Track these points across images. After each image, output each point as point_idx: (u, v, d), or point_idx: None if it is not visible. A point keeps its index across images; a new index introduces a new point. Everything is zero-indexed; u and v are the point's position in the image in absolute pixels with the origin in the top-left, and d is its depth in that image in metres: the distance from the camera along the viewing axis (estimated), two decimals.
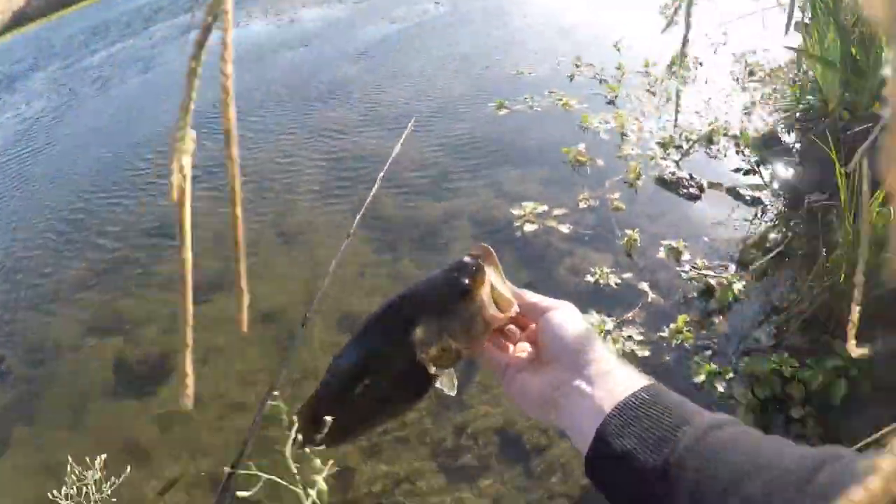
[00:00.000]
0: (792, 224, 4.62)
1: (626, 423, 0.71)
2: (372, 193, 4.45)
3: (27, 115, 8.94)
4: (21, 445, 4.14)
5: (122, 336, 4.73)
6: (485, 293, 0.89)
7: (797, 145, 5.57)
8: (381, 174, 4.65)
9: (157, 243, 5.58)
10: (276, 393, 1.60)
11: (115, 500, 2.98)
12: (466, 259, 0.92)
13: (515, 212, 5.07)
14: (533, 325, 0.90)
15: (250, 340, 4.44)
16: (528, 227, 4.90)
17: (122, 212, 6.18)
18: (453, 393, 0.94)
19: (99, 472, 2.73)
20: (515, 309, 0.91)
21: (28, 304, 5.25)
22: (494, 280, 0.91)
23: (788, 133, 5.75)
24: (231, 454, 3.67)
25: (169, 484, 3.59)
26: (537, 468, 3.37)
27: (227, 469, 2.63)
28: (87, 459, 2.87)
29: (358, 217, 4.12)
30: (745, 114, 6.19)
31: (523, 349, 0.91)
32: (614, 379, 0.78)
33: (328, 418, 0.94)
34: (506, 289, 0.92)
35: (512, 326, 0.95)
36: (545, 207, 5.07)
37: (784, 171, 5.26)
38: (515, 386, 0.85)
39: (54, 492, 2.65)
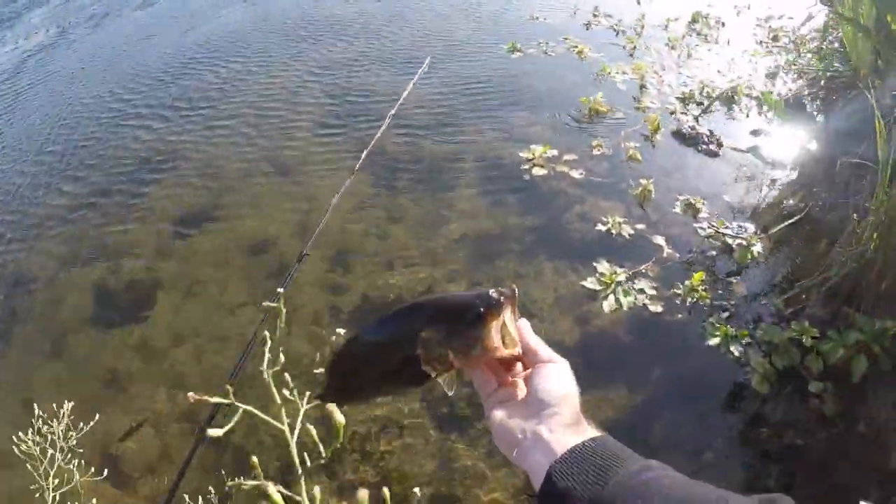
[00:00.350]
0: (814, 191, 4.36)
1: (570, 466, 0.79)
2: (381, 130, 4.15)
3: (25, 48, 8.51)
4: None
5: (105, 267, 4.39)
6: (494, 326, 0.96)
7: (821, 111, 5.29)
8: (393, 111, 4.36)
9: (142, 176, 5.21)
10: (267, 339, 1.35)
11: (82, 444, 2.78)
12: (493, 293, 0.99)
13: (524, 154, 4.76)
14: (530, 370, 0.97)
15: (238, 273, 4.14)
16: (537, 171, 4.59)
17: (108, 145, 5.74)
18: (451, 392, 1.02)
19: (66, 418, 2.44)
20: (518, 350, 0.98)
21: (11, 235, 4.88)
22: (508, 319, 0.98)
23: (812, 99, 5.47)
24: (211, 388, 3.44)
25: (132, 429, 3.30)
26: None
27: (211, 399, 2.37)
28: (55, 406, 2.55)
29: (364, 154, 3.83)
30: (769, 77, 5.91)
31: (516, 386, 0.98)
32: (572, 431, 0.85)
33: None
34: (516, 330, 0.98)
35: (519, 365, 1.01)
36: (555, 152, 4.77)
37: (807, 136, 4.98)
38: (494, 417, 0.93)
39: (20, 434, 2.36)
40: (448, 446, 3.04)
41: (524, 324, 1.00)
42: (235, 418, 0.96)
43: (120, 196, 5.09)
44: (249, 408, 0.92)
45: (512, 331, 0.97)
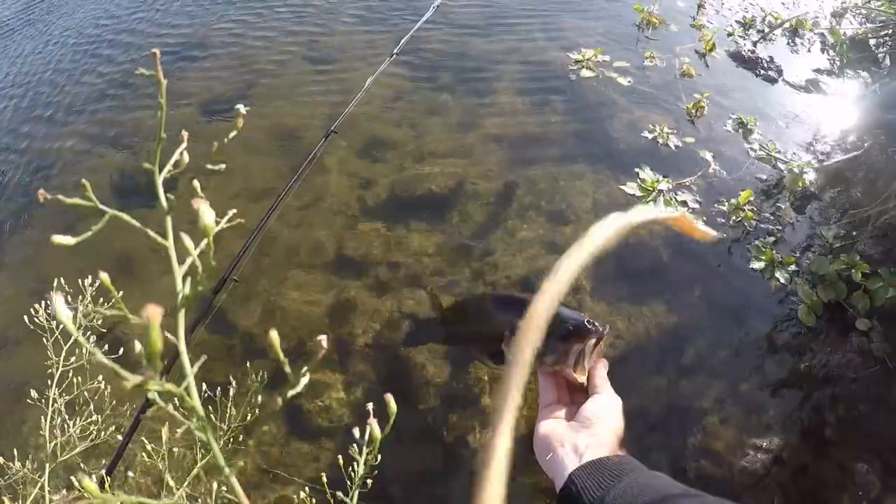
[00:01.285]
0: (874, 132, 4.08)
1: (588, 472, 0.87)
2: (426, 16, 3.86)
3: None
4: (14, 255, 3.63)
5: (129, 149, 4.19)
6: (575, 348, 1.08)
7: (887, 55, 4.96)
8: (437, 1, 4.07)
9: (176, 63, 4.92)
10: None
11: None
12: (588, 322, 1.10)
13: (573, 56, 4.46)
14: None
15: (265, 159, 3.90)
16: (585, 73, 4.30)
17: (144, 32, 5.48)
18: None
19: (88, 296, 2.26)
20: (583, 380, 1.08)
21: (43, 115, 4.66)
22: (588, 349, 1.08)
23: (879, 44, 5.13)
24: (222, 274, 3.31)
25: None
26: None
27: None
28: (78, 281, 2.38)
29: (404, 39, 3.56)
30: (835, 16, 5.54)
31: (570, 408, 1.06)
32: (604, 450, 0.92)
33: None
34: (591, 363, 1.09)
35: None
36: (606, 57, 4.46)
37: (870, 78, 4.67)
38: (540, 426, 1.03)
39: (35, 307, 2.20)
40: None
41: (603, 363, 1.12)
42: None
43: (148, 83, 4.82)
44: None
45: (586, 363, 1.09)
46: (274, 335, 0.51)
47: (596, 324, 1.11)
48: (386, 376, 2.78)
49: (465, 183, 3.59)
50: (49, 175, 4.12)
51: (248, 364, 2.57)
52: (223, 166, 0.43)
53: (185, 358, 0.44)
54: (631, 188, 3.46)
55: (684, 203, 3.39)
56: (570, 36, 4.80)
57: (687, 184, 3.52)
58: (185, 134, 0.46)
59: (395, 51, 3.44)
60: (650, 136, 3.80)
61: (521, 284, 3.06)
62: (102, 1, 6.38)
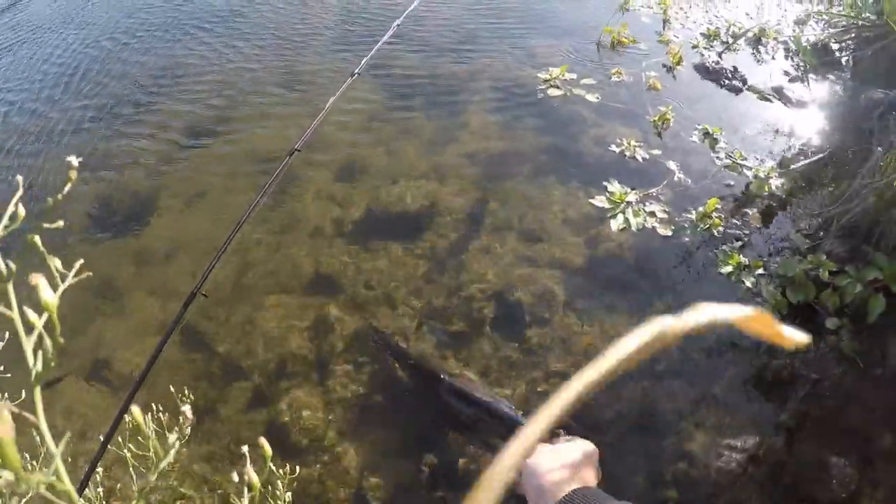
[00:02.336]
0: (838, 136, 4.19)
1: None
2: (386, 37, 3.95)
3: None
4: None
5: (108, 175, 4.28)
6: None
7: (850, 59, 5.09)
8: (399, 20, 4.18)
9: (151, 91, 5.02)
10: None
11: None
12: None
13: (541, 75, 4.57)
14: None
15: (242, 183, 4.01)
16: (553, 92, 4.42)
17: (119, 60, 5.55)
18: None
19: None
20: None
21: (21, 147, 4.72)
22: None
23: (841, 49, 5.26)
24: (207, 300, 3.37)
25: (55, 380, 3.14)
26: (533, 341, 2.99)
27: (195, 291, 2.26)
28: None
29: (365, 59, 3.65)
30: (798, 24, 5.68)
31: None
32: (574, 484, 1.02)
33: None
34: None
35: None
36: (573, 75, 4.59)
37: (833, 81, 4.79)
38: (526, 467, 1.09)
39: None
40: None
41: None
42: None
43: (128, 108, 4.96)
44: None
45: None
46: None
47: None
48: (364, 395, 2.85)
49: (438, 202, 3.69)
50: (33, 198, 4.20)
51: (227, 385, 2.64)
52: (61, 223, 0.45)
53: (48, 438, 0.44)
54: (600, 201, 3.55)
55: (652, 214, 3.48)
56: (539, 55, 4.93)
57: (654, 194, 3.61)
58: (74, 162, 0.46)
59: (356, 70, 3.54)
60: (618, 150, 3.91)
61: (496, 299, 3.15)
62: (75, 30, 6.48)
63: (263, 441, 0.77)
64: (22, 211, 0.51)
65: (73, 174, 0.48)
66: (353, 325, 3.11)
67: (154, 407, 2.24)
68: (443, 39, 5.26)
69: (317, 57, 5.24)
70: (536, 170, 3.85)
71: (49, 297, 0.47)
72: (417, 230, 3.54)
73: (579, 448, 1.14)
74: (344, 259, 3.43)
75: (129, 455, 2.15)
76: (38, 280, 0.47)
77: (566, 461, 1.10)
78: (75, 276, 0.58)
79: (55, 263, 0.49)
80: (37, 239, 0.47)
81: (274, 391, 2.90)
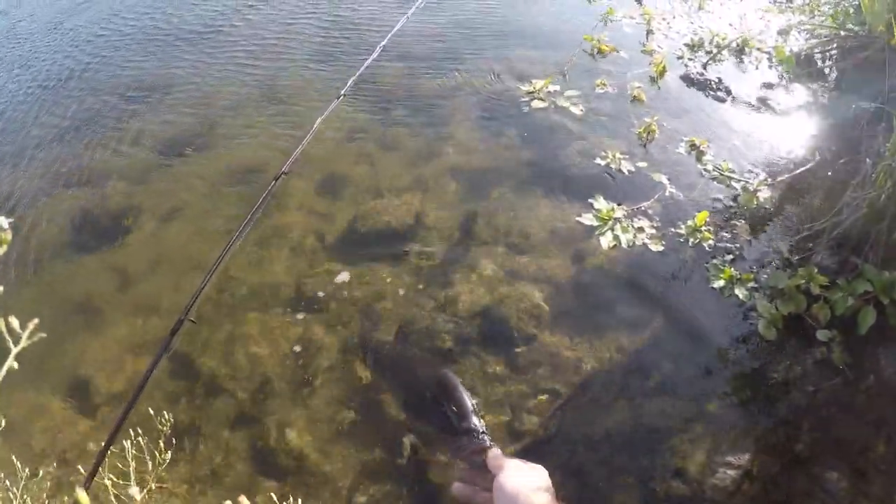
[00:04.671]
0: (824, 144, 4.16)
1: None
2: (371, 59, 3.89)
3: None
4: None
5: (86, 191, 4.17)
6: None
7: (833, 68, 5.09)
8: (384, 42, 4.12)
9: (130, 106, 4.92)
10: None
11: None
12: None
13: (524, 87, 4.52)
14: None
15: (222, 199, 3.92)
16: (537, 104, 4.36)
17: (97, 74, 5.47)
18: None
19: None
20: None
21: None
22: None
23: (824, 58, 5.26)
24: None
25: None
26: (521, 358, 2.90)
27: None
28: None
29: (352, 80, 3.59)
30: (781, 34, 5.68)
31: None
32: None
33: None
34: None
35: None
36: (557, 87, 4.53)
37: (818, 91, 4.79)
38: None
39: None
40: None
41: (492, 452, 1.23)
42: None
43: (106, 123, 4.85)
44: None
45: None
46: None
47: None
48: (351, 414, 2.76)
49: (422, 216, 3.61)
50: (8, 213, 4.07)
51: (210, 405, 2.55)
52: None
53: None
54: (588, 219, 3.48)
55: (641, 229, 3.43)
56: (521, 68, 4.88)
57: (643, 208, 3.55)
58: (4, 224, 0.41)
59: (342, 92, 3.48)
60: (603, 163, 3.85)
61: (483, 315, 3.07)
62: (57, 39, 6.39)
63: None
64: None
65: (8, 236, 0.43)
66: (335, 342, 3.02)
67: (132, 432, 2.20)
68: (425, 53, 5.20)
69: (298, 72, 5.17)
70: (521, 183, 3.78)
71: None
72: (402, 245, 3.47)
73: (541, 470, 1.13)
74: (328, 275, 3.34)
75: (109, 484, 2.08)
76: None
77: (541, 483, 1.08)
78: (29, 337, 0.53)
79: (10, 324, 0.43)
80: None
81: (257, 411, 2.82)
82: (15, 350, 0.40)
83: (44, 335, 0.43)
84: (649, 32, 5.43)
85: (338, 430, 2.71)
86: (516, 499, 1.05)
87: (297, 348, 3.02)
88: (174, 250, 3.65)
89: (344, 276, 3.32)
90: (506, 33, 5.47)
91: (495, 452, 1.19)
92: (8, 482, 2.03)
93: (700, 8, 5.96)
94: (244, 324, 3.15)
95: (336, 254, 3.47)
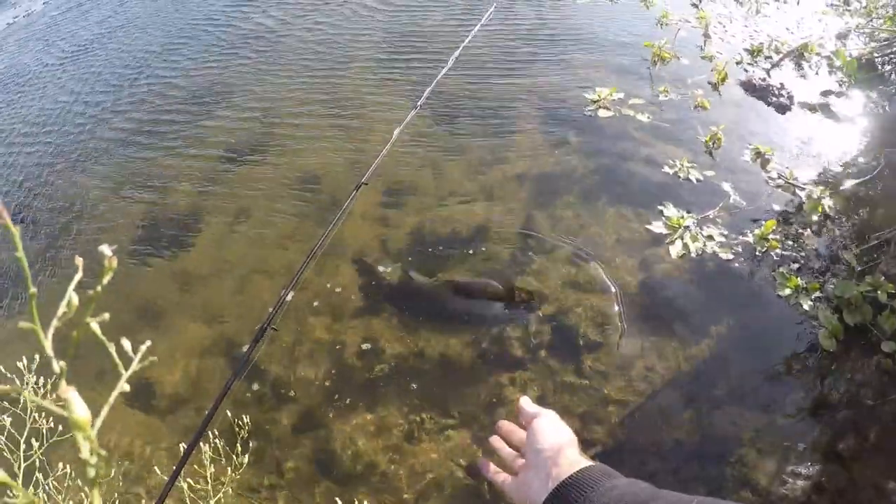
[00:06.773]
0: (888, 151, 4.19)
1: (571, 484, 0.95)
2: (445, 70, 4.02)
3: None
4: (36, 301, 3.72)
5: (152, 195, 4.38)
6: None
7: (894, 73, 5.09)
8: (456, 53, 4.23)
9: (194, 111, 5.15)
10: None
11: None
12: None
13: (589, 96, 4.61)
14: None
15: (286, 205, 4.07)
16: (603, 113, 4.44)
17: (162, 82, 5.71)
18: None
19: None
20: None
21: (63, 164, 4.92)
22: None
23: (885, 62, 5.25)
24: (250, 320, 3.34)
25: None
26: (589, 366, 3.01)
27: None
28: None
29: (427, 91, 3.70)
30: (839, 38, 5.67)
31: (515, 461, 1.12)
32: (568, 467, 0.99)
33: None
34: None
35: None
36: (621, 95, 4.61)
37: (880, 97, 4.79)
38: (506, 483, 1.07)
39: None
40: None
41: (523, 399, 1.17)
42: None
43: (172, 128, 5.08)
44: None
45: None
46: None
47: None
48: (415, 418, 2.90)
49: (488, 223, 3.73)
50: (77, 217, 4.38)
51: (278, 409, 2.67)
52: (106, 316, 0.43)
53: None
54: (657, 227, 3.58)
55: (710, 237, 3.51)
56: (584, 75, 4.95)
57: (711, 217, 3.64)
58: (79, 261, 0.42)
59: (418, 103, 3.60)
60: (671, 171, 3.93)
61: (551, 323, 3.19)
62: (118, 45, 6.67)
63: None
64: (75, 299, 0.44)
65: (114, 262, 0.47)
66: (399, 348, 3.16)
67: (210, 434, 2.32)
68: (487, 62, 5.29)
69: (362, 81, 5.27)
70: (587, 191, 3.88)
71: (81, 414, 0.40)
72: (468, 252, 3.58)
73: (544, 433, 1.09)
74: (392, 281, 3.48)
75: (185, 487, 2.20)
76: (69, 394, 0.40)
77: (573, 436, 1.07)
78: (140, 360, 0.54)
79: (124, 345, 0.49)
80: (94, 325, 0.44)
81: (323, 416, 2.95)
82: (126, 373, 0.47)
83: (154, 359, 0.50)
84: (706, 37, 5.46)
85: (403, 433, 2.85)
86: (558, 434, 1.06)
87: (363, 350, 3.16)
88: (236, 255, 3.79)
89: (407, 283, 3.46)
90: (568, 40, 5.54)
91: (528, 399, 1.16)
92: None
93: (757, 12, 5.97)
94: (310, 327, 3.29)
95: (401, 260, 3.58)
